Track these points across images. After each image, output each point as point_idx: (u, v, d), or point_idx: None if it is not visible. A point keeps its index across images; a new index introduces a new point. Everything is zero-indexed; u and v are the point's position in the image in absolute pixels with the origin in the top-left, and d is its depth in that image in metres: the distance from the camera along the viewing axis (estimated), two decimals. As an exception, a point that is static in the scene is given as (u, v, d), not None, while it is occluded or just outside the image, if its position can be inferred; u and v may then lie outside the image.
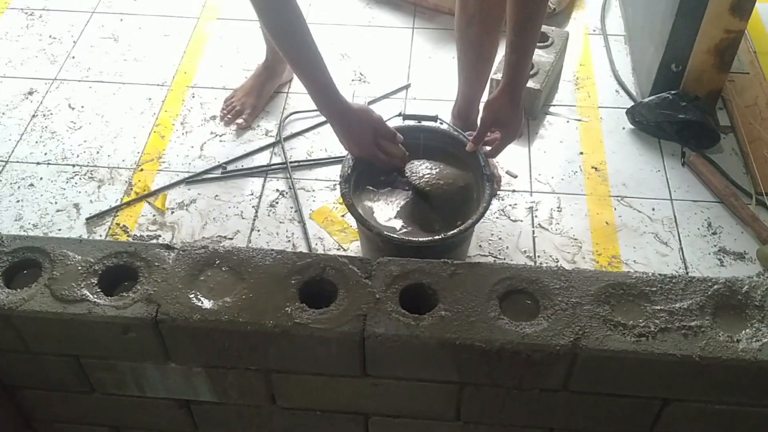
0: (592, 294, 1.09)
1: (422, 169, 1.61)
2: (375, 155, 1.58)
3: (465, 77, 1.89)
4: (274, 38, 1.54)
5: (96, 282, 1.12)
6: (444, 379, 1.12)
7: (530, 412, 1.16)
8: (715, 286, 1.09)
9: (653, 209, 1.94)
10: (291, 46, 1.51)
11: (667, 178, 2.01)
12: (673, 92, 2.08)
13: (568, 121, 2.18)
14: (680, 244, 1.86)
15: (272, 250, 1.17)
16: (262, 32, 2.14)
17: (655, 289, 1.10)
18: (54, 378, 1.22)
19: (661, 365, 1.03)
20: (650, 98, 2.10)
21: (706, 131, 2.04)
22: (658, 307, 1.07)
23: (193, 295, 1.10)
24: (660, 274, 1.11)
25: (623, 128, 2.15)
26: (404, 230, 1.58)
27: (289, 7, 1.45)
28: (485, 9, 1.69)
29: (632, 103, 2.17)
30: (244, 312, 1.08)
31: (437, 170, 1.61)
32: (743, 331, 1.05)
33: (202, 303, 1.09)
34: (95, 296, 1.10)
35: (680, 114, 2.04)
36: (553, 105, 2.23)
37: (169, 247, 1.17)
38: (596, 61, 2.37)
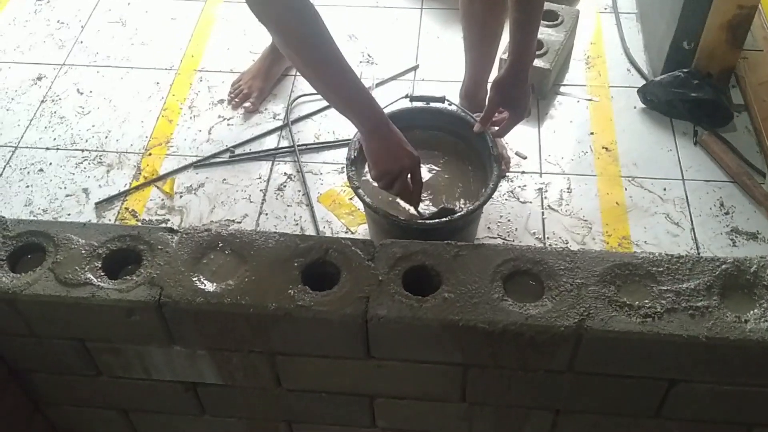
0: (597, 275, 1.08)
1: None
2: (400, 183, 1.45)
3: (471, 57, 1.87)
4: (303, 61, 1.36)
5: (100, 266, 1.12)
6: (448, 361, 1.11)
7: (536, 394, 1.16)
8: (723, 266, 1.08)
9: (664, 189, 1.92)
10: (329, 71, 1.36)
11: (678, 158, 1.99)
12: (685, 70, 2.04)
13: (578, 101, 2.15)
14: (692, 224, 1.83)
15: (275, 232, 1.16)
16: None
17: (661, 269, 1.08)
18: (61, 361, 1.23)
19: (668, 346, 1.02)
20: (662, 76, 2.07)
21: (719, 109, 2.01)
22: (665, 288, 1.06)
23: (196, 278, 1.10)
24: (667, 254, 1.10)
25: (634, 107, 2.12)
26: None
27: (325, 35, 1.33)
28: None
29: (644, 82, 2.14)
30: (246, 295, 1.08)
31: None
32: (751, 312, 1.03)
33: (204, 286, 1.09)
34: (99, 280, 1.10)
35: (692, 92, 2.01)
36: (563, 84, 2.20)
37: (172, 231, 1.17)
38: (607, 39, 2.34)
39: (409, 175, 1.46)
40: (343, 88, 1.38)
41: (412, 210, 1.55)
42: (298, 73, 2.26)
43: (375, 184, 1.49)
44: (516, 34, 1.51)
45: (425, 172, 1.62)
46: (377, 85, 2.19)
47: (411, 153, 1.44)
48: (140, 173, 2.01)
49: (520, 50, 1.53)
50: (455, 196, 1.62)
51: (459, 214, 1.52)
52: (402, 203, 1.56)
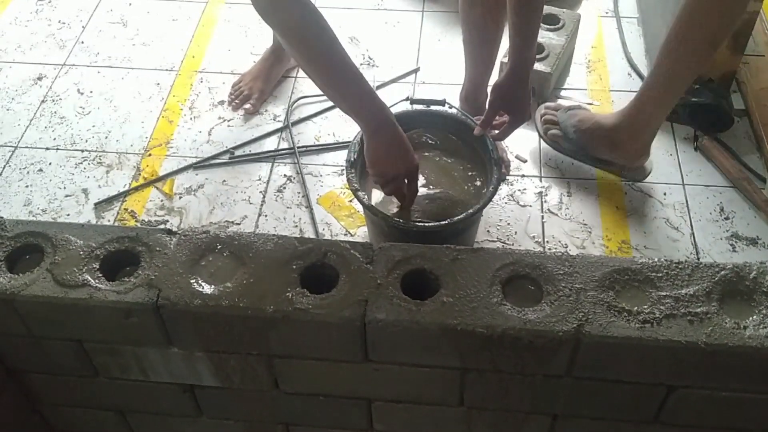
0: (596, 280, 1.08)
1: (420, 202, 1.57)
2: (395, 185, 1.48)
3: (471, 60, 1.88)
4: (306, 60, 1.37)
5: (98, 267, 1.12)
6: (446, 365, 1.11)
7: (534, 399, 1.15)
8: (723, 272, 1.08)
9: (664, 194, 1.91)
10: (326, 65, 1.35)
11: (679, 162, 1.98)
12: (686, 75, 2.04)
13: (579, 105, 2.15)
14: (692, 229, 1.83)
15: (274, 235, 1.16)
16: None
17: (660, 274, 1.08)
18: (58, 362, 1.23)
19: (666, 352, 1.02)
20: (663, 81, 2.06)
21: (720, 114, 2.01)
22: (664, 293, 1.06)
23: (193, 280, 1.10)
24: (666, 260, 1.10)
25: (635, 112, 2.12)
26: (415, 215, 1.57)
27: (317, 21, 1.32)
28: None
29: (644, 86, 2.14)
30: (244, 297, 1.08)
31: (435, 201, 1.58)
32: (750, 318, 1.03)
33: (202, 288, 1.09)
34: (97, 281, 1.10)
35: (693, 97, 2.01)
36: (564, 88, 2.20)
37: (170, 232, 1.16)
38: (608, 43, 2.34)
39: (406, 180, 1.47)
40: (344, 86, 1.38)
41: (398, 210, 1.56)
42: (298, 75, 2.25)
43: (371, 176, 1.51)
44: (515, 39, 1.51)
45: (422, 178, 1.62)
46: (378, 87, 2.19)
47: (411, 160, 1.45)
48: (140, 174, 2.00)
49: (519, 54, 1.53)
50: (456, 198, 1.62)
51: (458, 217, 1.51)
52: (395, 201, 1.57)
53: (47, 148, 2.08)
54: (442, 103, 1.66)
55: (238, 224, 1.88)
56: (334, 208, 1.91)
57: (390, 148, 1.42)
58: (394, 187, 1.48)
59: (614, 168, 1.91)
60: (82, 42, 2.40)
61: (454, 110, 1.68)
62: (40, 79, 2.28)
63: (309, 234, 1.84)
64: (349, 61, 1.36)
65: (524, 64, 1.55)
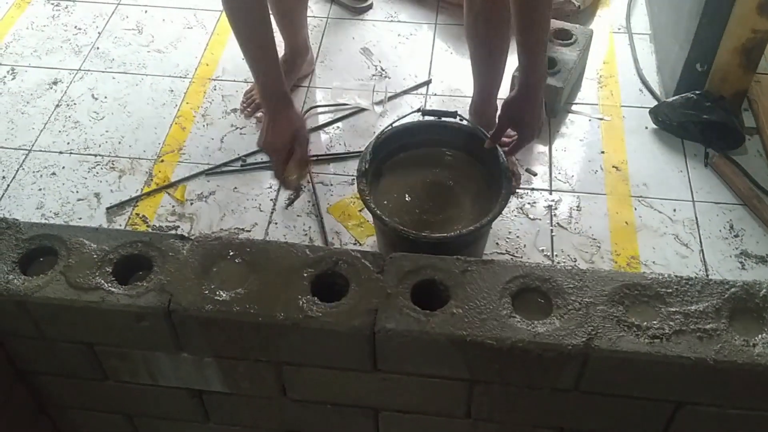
0: (606, 294, 1.08)
1: None
2: (279, 157, 1.54)
3: (478, 74, 1.89)
4: (232, 14, 1.45)
5: (110, 271, 1.13)
6: (454, 376, 1.11)
7: (541, 412, 1.15)
8: (732, 290, 1.07)
9: (674, 210, 1.91)
10: (246, 23, 1.43)
11: (689, 179, 1.99)
12: (697, 92, 2.05)
13: (590, 120, 2.16)
14: (701, 246, 1.83)
15: (285, 242, 1.17)
16: (278, 27, 2.14)
17: (670, 290, 1.08)
18: (68, 365, 1.23)
19: (675, 368, 1.02)
20: (674, 98, 2.07)
21: (731, 132, 2.01)
22: (673, 309, 1.06)
23: (205, 286, 1.11)
24: (676, 276, 1.10)
25: (646, 128, 2.13)
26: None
27: None
28: (488, 7, 1.68)
29: (656, 103, 2.15)
30: (255, 303, 1.08)
31: None
32: (760, 336, 1.03)
33: (214, 294, 1.09)
34: (109, 285, 1.11)
35: (704, 114, 2.01)
36: (576, 103, 2.21)
37: (183, 238, 1.17)
38: (620, 59, 2.35)
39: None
40: (254, 52, 1.45)
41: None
42: (311, 85, 2.27)
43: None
44: (523, 57, 1.51)
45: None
46: (390, 98, 2.20)
47: (287, 145, 1.51)
48: (152, 179, 2.02)
49: (528, 72, 1.53)
50: (465, 210, 1.62)
51: (468, 228, 1.52)
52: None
53: (61, 152, 2.10)
54: (454, 115, 1.67)
55: (248, 231, 1.89)
56: (344, 217, 1.92)
57: (274, 126, 1.50)
58: (274, 165, 1.54)
59: None
60: (98, 48, 2.43)
61: (465, 122, 1.69)
62: (55, 83, 2.31)
63: (318, 242, 1.85)
64: (268, 34, 1.42)
65: (533, 81, 1.54)
